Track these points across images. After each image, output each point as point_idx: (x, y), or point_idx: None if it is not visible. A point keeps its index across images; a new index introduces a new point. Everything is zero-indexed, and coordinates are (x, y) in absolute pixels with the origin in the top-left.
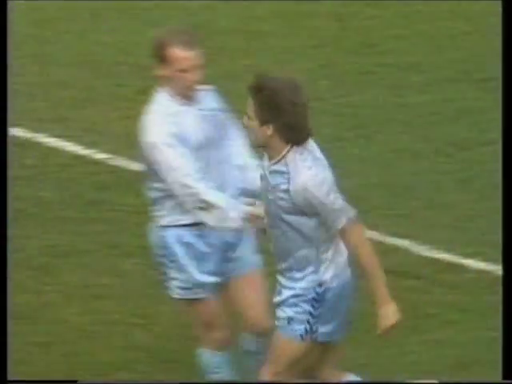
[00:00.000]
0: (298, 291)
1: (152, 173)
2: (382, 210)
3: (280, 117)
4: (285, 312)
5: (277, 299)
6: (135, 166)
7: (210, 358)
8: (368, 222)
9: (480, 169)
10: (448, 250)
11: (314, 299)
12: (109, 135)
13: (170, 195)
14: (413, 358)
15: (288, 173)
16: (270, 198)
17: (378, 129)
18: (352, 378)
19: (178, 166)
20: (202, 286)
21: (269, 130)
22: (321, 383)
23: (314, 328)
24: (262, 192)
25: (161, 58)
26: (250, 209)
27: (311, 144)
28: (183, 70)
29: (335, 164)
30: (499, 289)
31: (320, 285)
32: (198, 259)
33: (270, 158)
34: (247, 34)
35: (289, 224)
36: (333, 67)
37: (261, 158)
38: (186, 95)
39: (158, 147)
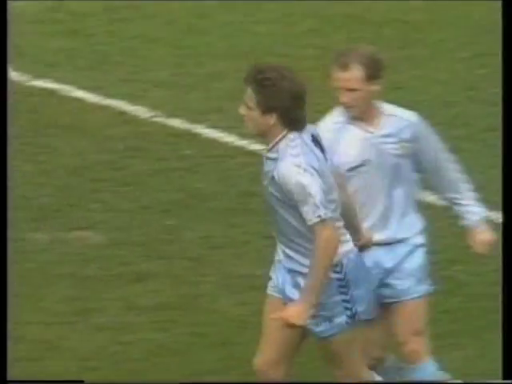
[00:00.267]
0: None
1: None
2: None
3: (283, 106)
4: (321, 314)
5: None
6: None
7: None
8: None
9: None
10: None
11: (339, 286)
12: None
13: None
14: None
15: (277, 159)
16: (264, 183)
17: None
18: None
19: None
20: None
21: (272, 119)
22: (324, 383)
23: (354, 310)
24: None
25: None
26: None
27: (313, 133)
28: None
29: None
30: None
31: (336, 267)
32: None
33: (268, 146)
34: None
35: (283, 210)
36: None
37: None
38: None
39: None
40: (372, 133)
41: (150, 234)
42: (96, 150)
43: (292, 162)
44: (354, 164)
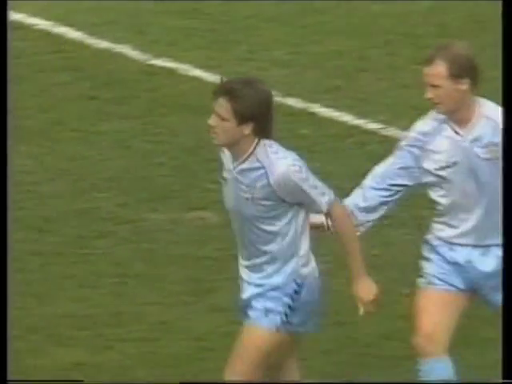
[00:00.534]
0: (277, 284)
1: None
2: None
3: (260, 115)
4: (263, 303)
5: (249, 294)
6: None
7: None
8: None
9: None
10: None
11: (294, 291)
12: (381, 105)
13: None
14: None
15: (263, 167)
16: (245, 197)
17: None
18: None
19: None
20: None
21: (247, 129)
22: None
23: (289, 319)
24: (229, 196)
25: None
26: None
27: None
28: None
29: None
30: None
31: (299, 278)
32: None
33: (236, 158)
34: None
35: (263, 220)
36: None
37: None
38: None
39: None
40: (462, 136)
41: None
42: None
43: (285, 164)
44: (443, 164)
